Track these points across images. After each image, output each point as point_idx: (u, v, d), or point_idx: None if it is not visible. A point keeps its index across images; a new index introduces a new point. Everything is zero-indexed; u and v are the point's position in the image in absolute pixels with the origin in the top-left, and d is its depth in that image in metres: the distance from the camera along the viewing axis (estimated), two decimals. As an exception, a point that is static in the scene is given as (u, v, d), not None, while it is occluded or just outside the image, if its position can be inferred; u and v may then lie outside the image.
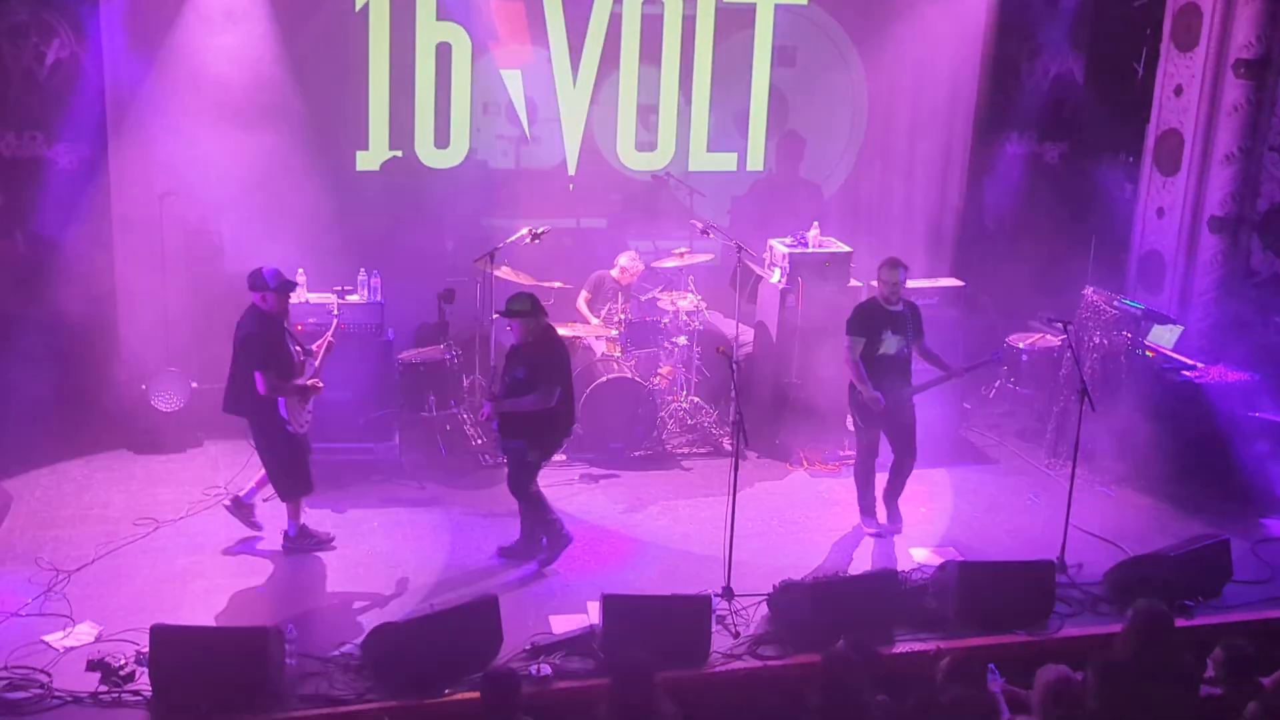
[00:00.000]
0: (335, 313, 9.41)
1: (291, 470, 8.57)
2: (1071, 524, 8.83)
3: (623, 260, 11.08)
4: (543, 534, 8.70)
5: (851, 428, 9.39)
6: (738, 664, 7.55)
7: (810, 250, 10.63)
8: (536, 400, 8.39)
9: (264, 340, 8.30)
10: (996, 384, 11.38)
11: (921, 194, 12.38)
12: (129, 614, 7.76)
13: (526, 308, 8.46)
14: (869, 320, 8.93)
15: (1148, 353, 10.47)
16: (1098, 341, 10.43)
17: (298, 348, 8.64)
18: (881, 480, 9.25)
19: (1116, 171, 12.43)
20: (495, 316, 9.49)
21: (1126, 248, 12.19)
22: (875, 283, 10.96)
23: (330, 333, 8.92)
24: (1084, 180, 12.54)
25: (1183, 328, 10.80)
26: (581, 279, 11.19)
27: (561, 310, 11.10)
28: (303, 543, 8.68)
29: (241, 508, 8.84)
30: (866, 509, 9.23)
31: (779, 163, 12.25)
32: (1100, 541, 9.18)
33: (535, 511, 8.68)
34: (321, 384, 8.63)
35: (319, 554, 8.72)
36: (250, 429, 8.65)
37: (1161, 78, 11.78)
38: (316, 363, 8.65)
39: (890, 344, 8.87)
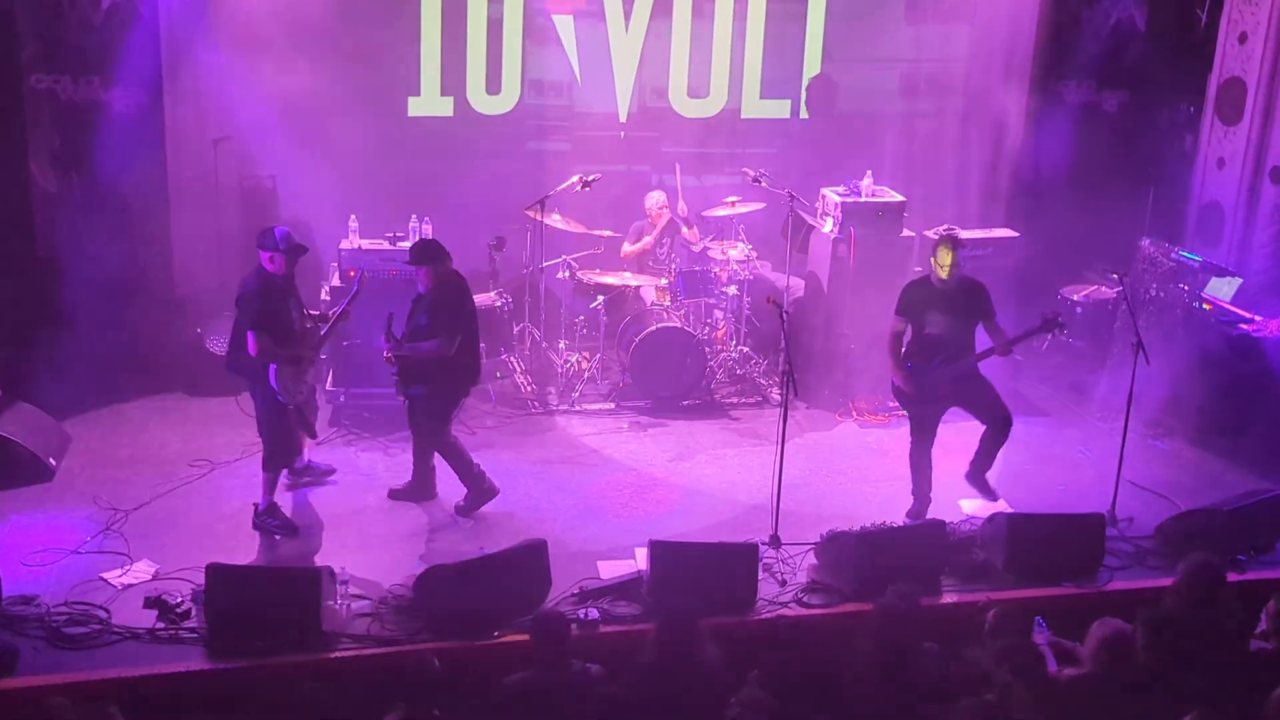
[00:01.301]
0: (358, 282, 8.73)
1: (279, 440, 8.27)
2: (1123, 477, 8.76)
3: (648, 202, 11.05)
4: (466, 485, 8.61)
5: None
6: (784, 611, 7.58)
7: (863, 199, 10.55)
8: (436, 348, 8.26)
9: (261, 300, 7.99)
10: (1050, 335, 11.26)
11: (976, 143, 12.19)
12: (185, 553, 7.90)
13: (429, 255, 8.33)
14: (912, 301, 8.48)
15: (1205, 305, 10.33)
16: (1154, 294, 10.31)
17: (307, 314, 8.39)
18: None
19: (1177, 121, 12.22)
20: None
21: (1185, 199, 12.00)
22: (930, 233, 10.91)
23: (347, 301, 8.57)
24: (1143, 130, 12.34)
25: (1241, 280, 10.63)
26: (629, 225, 11.17)
27: (610, 260, 11.10)
28: (267, 521, 8.27)
29: (298, 474, 8.82)
30: (919, 494, 8.74)
31: (832, 110, 12.11)
32: (1152, 495, 9.12)
33: (455, 462, 8.59)
34: (317, 357, 8.33)
35: (369, 498, 8.82)
36: (248, 390, 8.51)
37: (1225, 25, 11.55)
38: (324, 331, 8.43)
39: (937, 324, 8.39)
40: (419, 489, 8.79)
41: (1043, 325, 8.50)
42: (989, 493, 8.67)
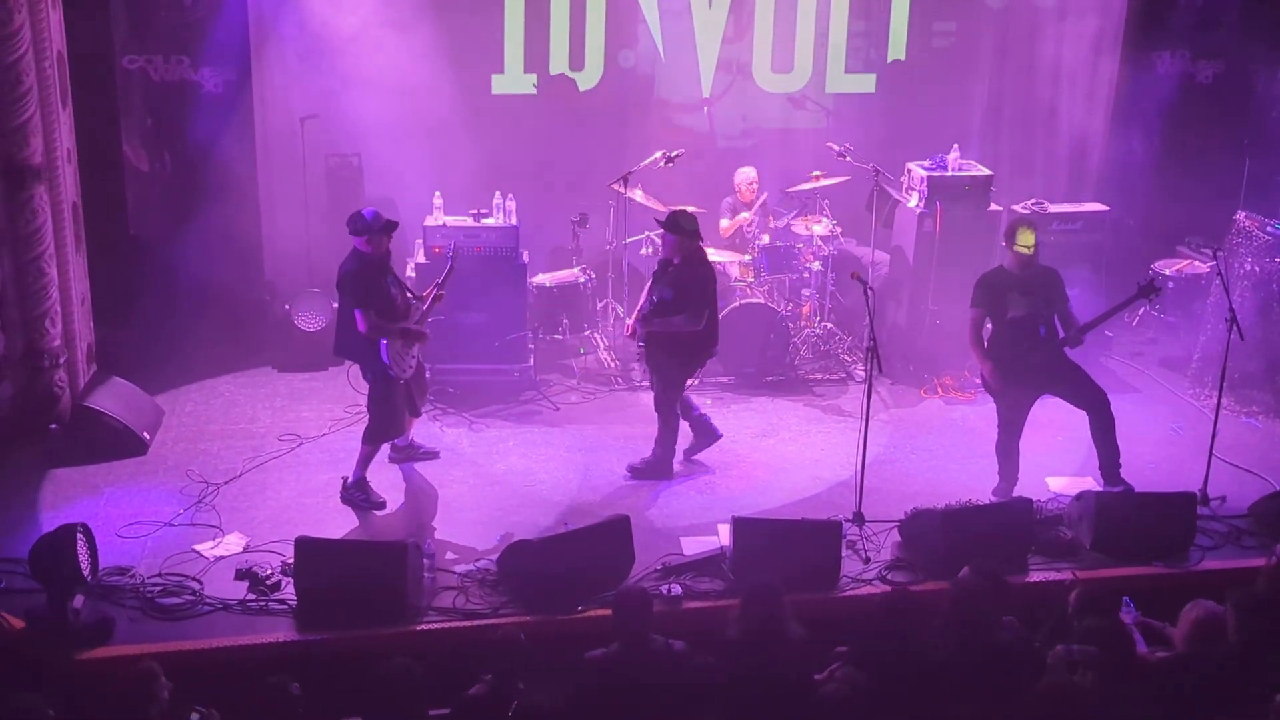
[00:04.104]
0: (450, 259, 8.83)
1: (384, 416, 8.37)
2: (1216, 455, 8.59)
3: (738, 178, 11.00)
4: (695, 433, 8.98)
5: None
6: (867, 589, 7.54)
7: (949, 174, 10.41)
8: (685, 321, 8.48)
9: (360, 278, 8.09)
10: (1141, 311, 11.08)
11: (1066, 115, 11.99)
12: (275, 526, 8.05)
13: (684, 226, 8.51)
14: (989, 288, 8.34)
15: (1302, 280, 10.09)
16: (1249, 268, 10.08)
17: (404, 292, 8.44)
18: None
19: (1273, 90, 11.91)
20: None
21: (1282, 170, 11.73)
22: (1018, 207, 10.75)
23: (442, 279, 8.59)
24: (1238, 100, 12.05)
25: (1340, 254, 10.37)
26: (714, 202, 11.14)
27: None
28: (354, 495, 8.39)
29: (401, 451, 8.92)
30: (1006, 478, 8.59)
31: (918, 84, 11.95)
32: (1246, 474, 8.93)
33: (690, 417, 8.91)
34: (426, 331, 8.44)
35: (455, 472, 8.90)
36: (360, 370, 8.59)
37: (1326, -9, 11.25)
38: (425, 307, 8.48)
39: (1019, 305, 8.24)
40: (657, 467, 8.94)
41: (1139, 292, 8.31)
42: (1129, 487, 8.42)
